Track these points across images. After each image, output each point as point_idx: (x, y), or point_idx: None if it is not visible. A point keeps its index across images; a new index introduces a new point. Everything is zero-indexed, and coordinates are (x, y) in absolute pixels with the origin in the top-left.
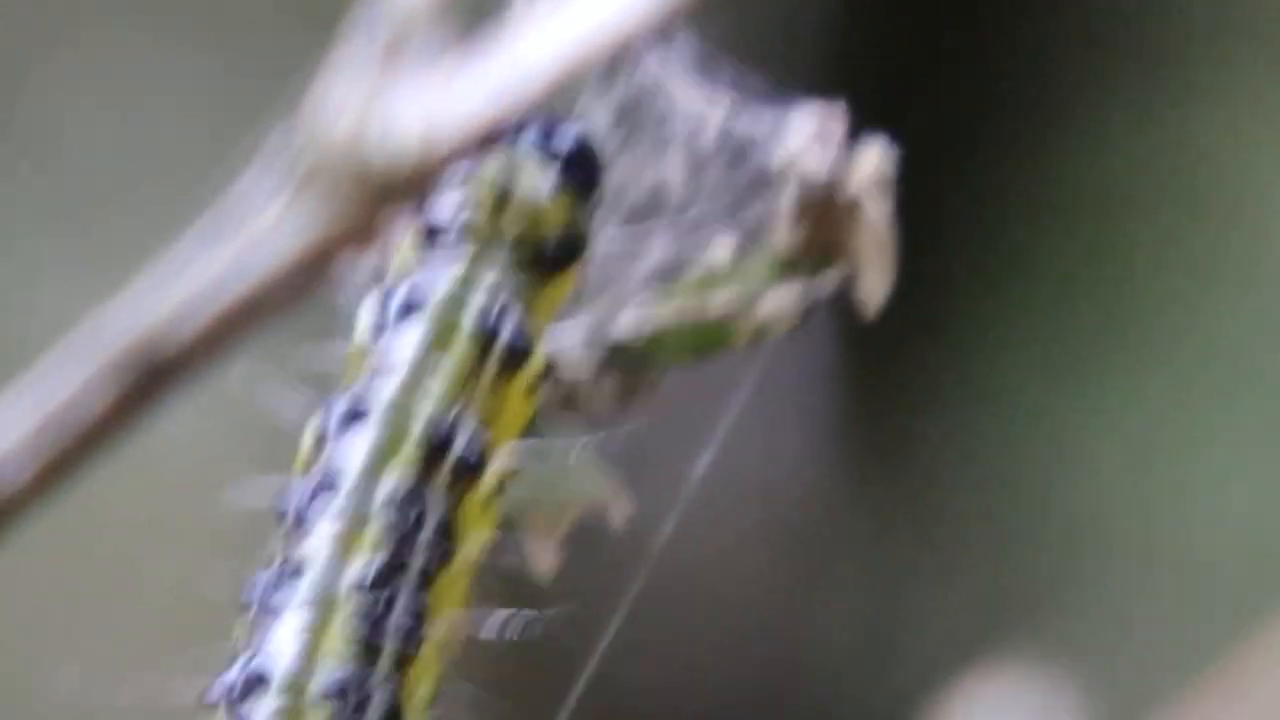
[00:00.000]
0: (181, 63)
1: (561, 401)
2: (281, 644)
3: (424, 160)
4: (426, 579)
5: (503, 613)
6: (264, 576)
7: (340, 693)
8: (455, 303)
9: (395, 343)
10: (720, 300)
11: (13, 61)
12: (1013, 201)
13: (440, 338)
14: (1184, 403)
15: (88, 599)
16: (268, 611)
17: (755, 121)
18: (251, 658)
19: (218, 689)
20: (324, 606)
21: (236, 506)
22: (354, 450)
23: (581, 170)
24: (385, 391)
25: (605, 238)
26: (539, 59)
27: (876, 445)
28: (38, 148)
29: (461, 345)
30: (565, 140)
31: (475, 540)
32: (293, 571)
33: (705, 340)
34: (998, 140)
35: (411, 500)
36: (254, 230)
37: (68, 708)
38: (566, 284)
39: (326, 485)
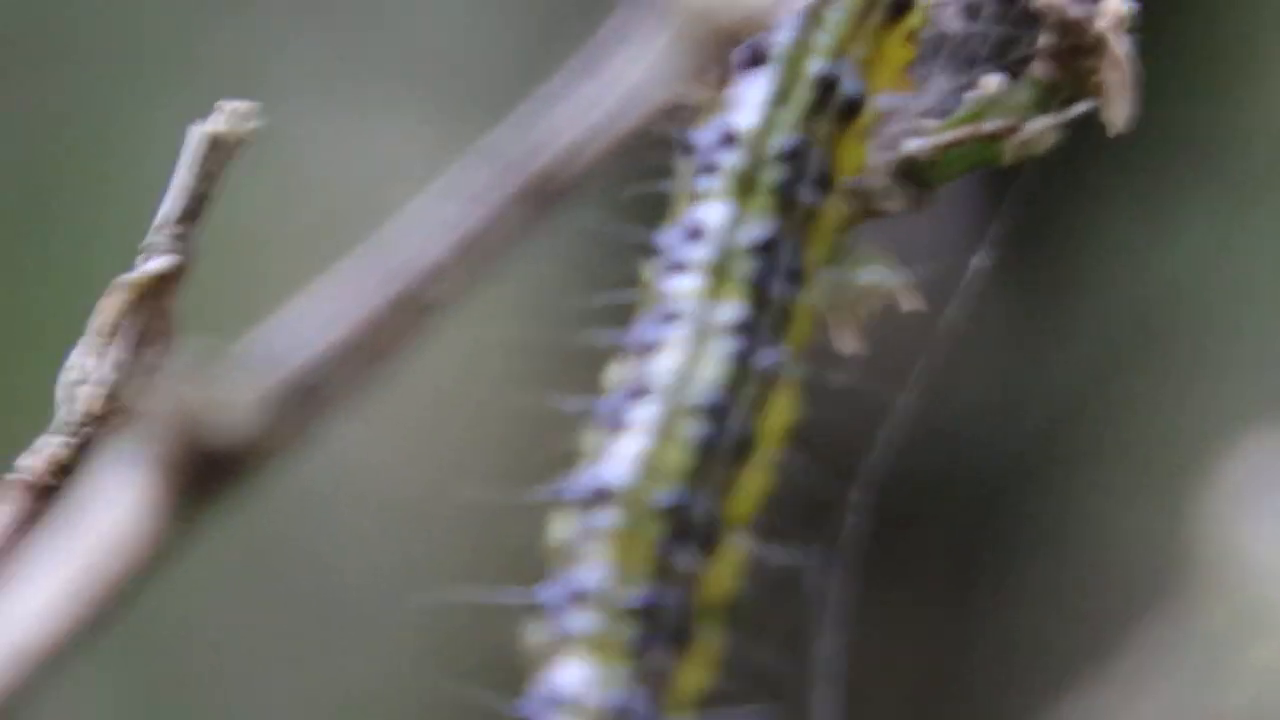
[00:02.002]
0: None
1: (863, 207)
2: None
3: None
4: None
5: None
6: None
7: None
8: (800, 51)
9: (744, 90)
10: (991, 125)
11: None
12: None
13: (784, 88)
14: None
15: None
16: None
17: None
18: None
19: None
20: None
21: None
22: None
23: None
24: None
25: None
26: None
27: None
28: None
29: (803, 93)
30: None
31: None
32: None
33: (979, 157)
34: None
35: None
36: (631, 71)
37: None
38: (899, 42)
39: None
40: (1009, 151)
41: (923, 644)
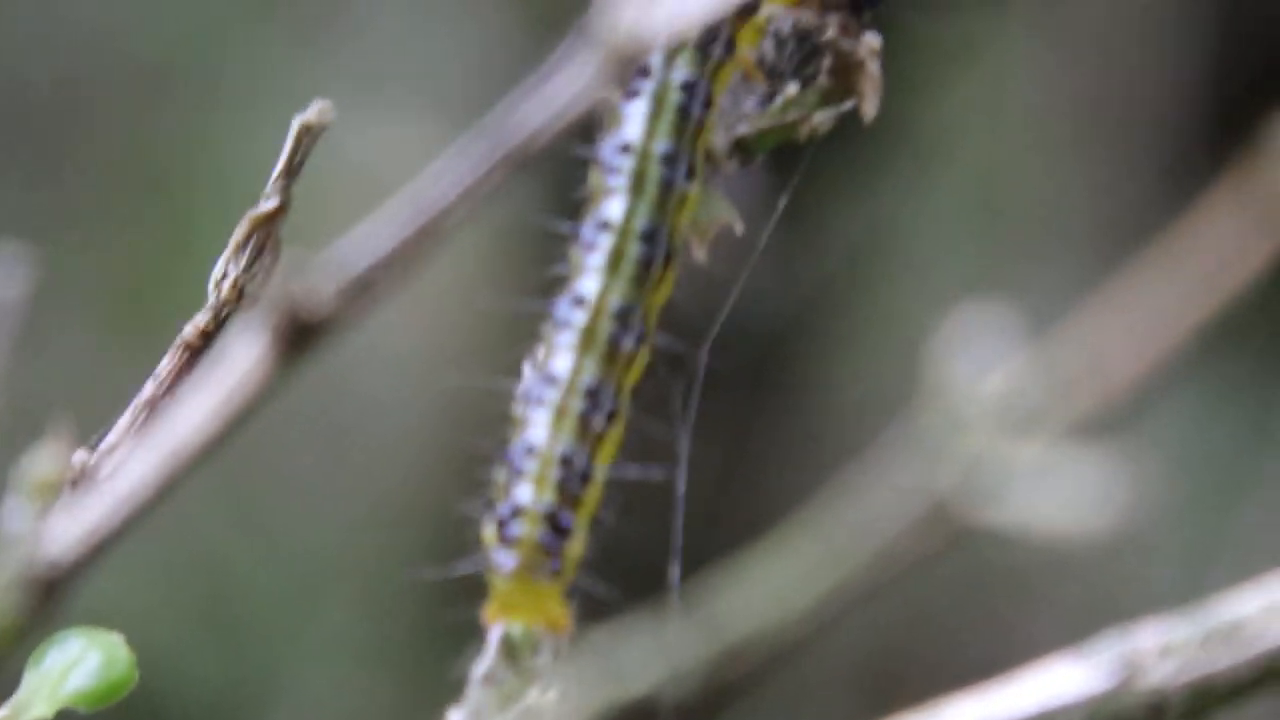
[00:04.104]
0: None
1: (712, 170)
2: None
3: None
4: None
5: None
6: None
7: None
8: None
9: (631, 107)
10: (791, 116)
11: None
12: None
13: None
14: None
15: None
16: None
17: (812, 20)
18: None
19: None
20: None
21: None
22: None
23: None
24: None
25: (734, 86)
26: None
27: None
28: None
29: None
30: None
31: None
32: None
33: (783, 137)
34: None
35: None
36: (569, 79)
37: None
38: (750, 33)
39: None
40: (802, 133)
41: (727, 443)
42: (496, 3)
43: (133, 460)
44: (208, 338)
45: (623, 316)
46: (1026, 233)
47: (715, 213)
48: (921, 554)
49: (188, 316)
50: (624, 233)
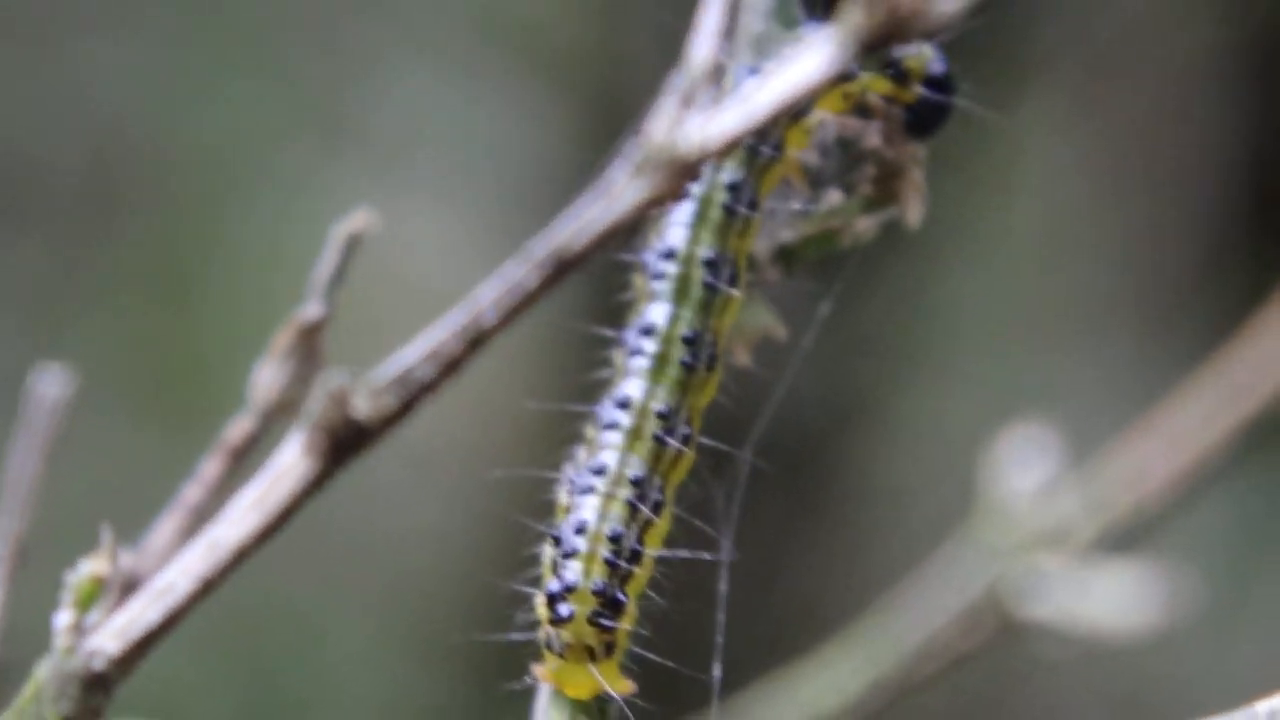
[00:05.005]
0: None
1: (755, 279)
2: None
3: (702, 153)
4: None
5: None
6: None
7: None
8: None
9: (675, 213)
10: (834, 222)
11: None
12: None
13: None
14: None
15: None
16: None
17: (856, 128)
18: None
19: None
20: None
21: None
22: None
23: None
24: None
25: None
26: (760, 103)
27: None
28: None
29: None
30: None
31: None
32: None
33: (825, 245)
34: None
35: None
36: (614, 194)
37: None
38: (800, 135)
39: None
40: (845, 241)
41: (770, 542)
42: (540, 99)
43: (182, 563)
44: (249, 441)
45: (667, 418)
46: (1066, 329)
47: (758, 318)
48: (967, 651)
49: (217, 408)
50: (668, 338)
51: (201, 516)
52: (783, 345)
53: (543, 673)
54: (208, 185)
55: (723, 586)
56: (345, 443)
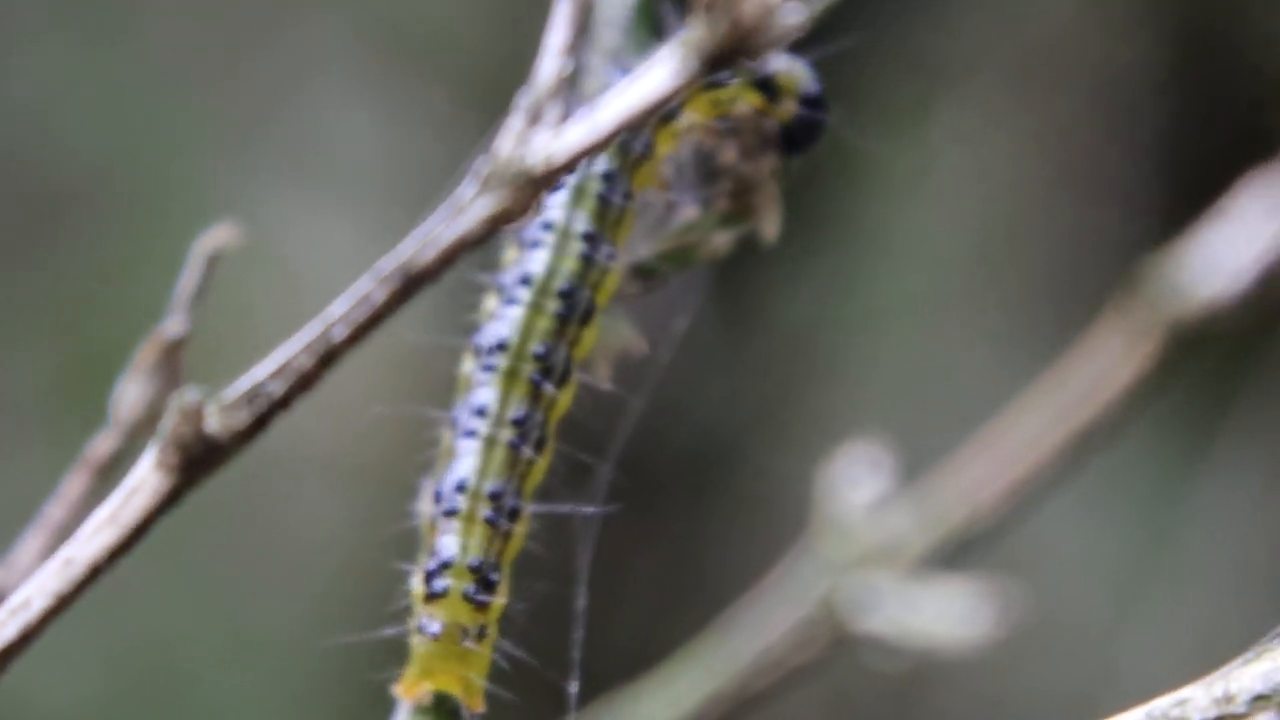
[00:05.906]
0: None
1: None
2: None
3: (548, 168)
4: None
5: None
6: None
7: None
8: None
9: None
10: (691, 237)
11: None
12: None
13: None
14: None
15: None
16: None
17: (712, 144)
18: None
19: None
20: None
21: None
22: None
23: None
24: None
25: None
26: (606, 118)
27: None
28: None
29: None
30: None
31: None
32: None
33: (684, 258)
34: None
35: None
36: (462, 208)
37: None
38: (668, 138)
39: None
40: (702, 255)
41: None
42: (448, 108)
43: (37, 580)
44: (114, 457)
45: (520, 424)
46: (968, 322)
47: (618, 335)
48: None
49: (103, 424)
50: (543, 289)
51: (64, 534)
52: (643, 360)
53: (403, 689)
54: (107, 200)
55: (579, 602)
56: (198, 458)
